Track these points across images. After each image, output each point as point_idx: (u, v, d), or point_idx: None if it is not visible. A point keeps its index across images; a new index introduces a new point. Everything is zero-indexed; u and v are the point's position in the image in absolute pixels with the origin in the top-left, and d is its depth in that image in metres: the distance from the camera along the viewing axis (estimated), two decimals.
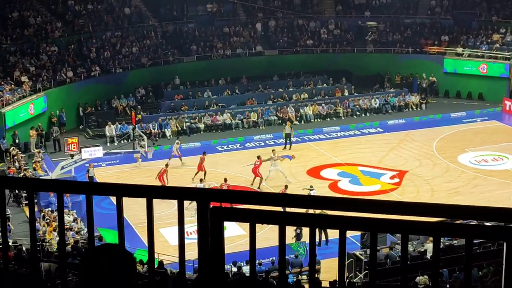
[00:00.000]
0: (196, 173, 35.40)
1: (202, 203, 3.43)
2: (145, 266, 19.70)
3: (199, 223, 3.44)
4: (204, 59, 51.21)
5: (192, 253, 4.97)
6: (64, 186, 3.71)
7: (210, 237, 3.42)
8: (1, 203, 4.01)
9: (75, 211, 29.15)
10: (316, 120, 46.78)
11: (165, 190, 3.65)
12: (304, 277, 24.05)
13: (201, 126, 44.76)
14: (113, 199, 4.10)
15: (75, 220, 28.19)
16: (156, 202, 3.68)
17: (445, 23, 55.06)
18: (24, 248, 22.09)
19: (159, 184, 32.61)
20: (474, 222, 4.12)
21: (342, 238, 3.36)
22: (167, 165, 34.98)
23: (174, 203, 3.64)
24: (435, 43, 53.44)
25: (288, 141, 40.85)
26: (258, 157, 35.05)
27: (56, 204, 25.72)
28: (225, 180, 32.76)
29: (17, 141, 39.15)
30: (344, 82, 50.66)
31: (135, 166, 38.18)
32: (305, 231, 18.50)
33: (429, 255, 23.44)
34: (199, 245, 3.48)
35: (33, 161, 35.79)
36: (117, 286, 2.85)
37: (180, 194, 3.52)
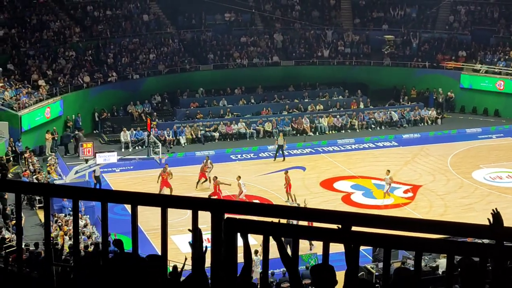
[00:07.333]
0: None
1: (216, 213, 3.44)
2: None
3: (213, 233, 3.45)
4: (220, 68, 51.35)
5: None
6: (80, 192, 3.74)
7: (224, 247, 3.42)
8: (17, 207, 4.04)
9: (88, 216, 29.21)
10: (330, 131, 46.71)
11: (179, 200, 3.65)
12: None
13: (216, 134, 44.81)
14: (127, 205, 4.11)
15: (86, 225, 28.23)
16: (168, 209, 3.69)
17: (463, 39, 54.86)
18: (35, 251, 22.13)
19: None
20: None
21: (355, 253, 3.35)
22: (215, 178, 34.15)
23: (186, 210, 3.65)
24: (452, 58, 53.28)
25: (280, 152, 40.61)
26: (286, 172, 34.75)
27: (69, 209, 25.41)
28: None
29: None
30: (360, 94, 50.61)
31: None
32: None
33: (441, 270, 23.32)
34: (212, 254, 3.49)
35: (47, 164, 35.95)
36: None
37: (194, 204, 3.53)
